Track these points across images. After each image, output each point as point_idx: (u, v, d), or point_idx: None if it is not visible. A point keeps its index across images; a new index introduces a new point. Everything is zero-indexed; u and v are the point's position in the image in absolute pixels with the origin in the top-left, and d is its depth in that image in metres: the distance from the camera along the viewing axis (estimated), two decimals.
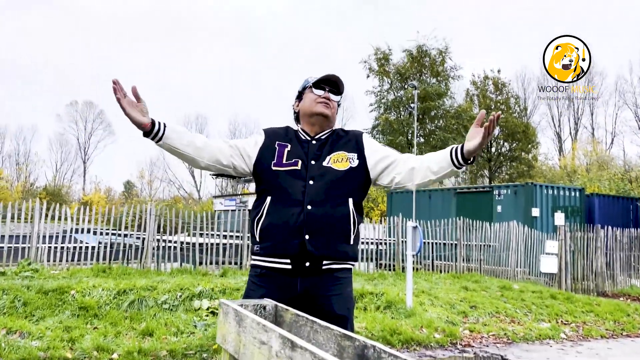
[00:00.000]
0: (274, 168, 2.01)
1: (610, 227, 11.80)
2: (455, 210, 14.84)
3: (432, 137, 29.16)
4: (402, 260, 10.48)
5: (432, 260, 11.20)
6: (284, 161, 2.02)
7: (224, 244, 9.36)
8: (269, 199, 1.98)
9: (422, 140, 29.45)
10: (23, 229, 8.40)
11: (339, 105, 2.18)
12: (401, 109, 30.28)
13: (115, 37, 62.94)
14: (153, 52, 64.63)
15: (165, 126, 1.95)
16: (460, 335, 5.81)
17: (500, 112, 1.84)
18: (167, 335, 4.86)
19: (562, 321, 7.06)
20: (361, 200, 2.08)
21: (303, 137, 2.10)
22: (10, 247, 8.10)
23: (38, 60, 61.22)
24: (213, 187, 42.02)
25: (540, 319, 7.03)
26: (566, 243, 10.74)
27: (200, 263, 9.02)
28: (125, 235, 9.13)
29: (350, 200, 2.00)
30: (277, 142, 2.07)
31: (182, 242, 9.15)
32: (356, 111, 54.25)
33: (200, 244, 9.19)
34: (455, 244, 11.24)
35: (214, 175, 31.12)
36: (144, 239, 8.91)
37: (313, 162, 2.01)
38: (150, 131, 1.93)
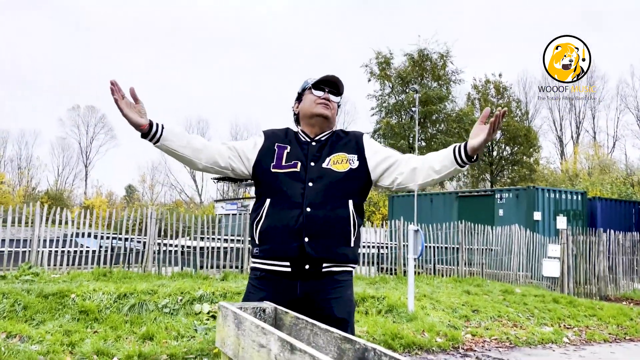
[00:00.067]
0: (273, 170, 1.99)
1: (612, 231, 11.75)
2: (457, 214, 14.84)
3: (434, 141, 29.12)
4: (404, 264, 10.44)
5: (434, 264, 11.15)
6: (283, 163, 2.00)
7: (225, 248, 9.35)
8: (268, 201, 1.97)
9: (423, 144, 29.40)
10: (24, 233, 8.40)
11: (339, 106, 2.16)
12: (402, 113, 30.24)
13: (115, 37, 63.07)
14: (153, 52, 64.74)
15: (163, 127, 1.95)
16: (462, 340, 5.78)
17: (505, 108, 1.83)
18: (167, 339, 4.84)
19: (564, 325, 7.02)
20: (362, 202, 2.05)
21: (303, 139, 2.08)
22: (11, 251, 8.10)
23: (38, 61, 61.40)
24: (215, 191, 42.09)
25: (543, 323, 6.99)
26: (568, 247, 10.69)
27: (201, 267, 9.00)
28: (127, 239, 9.14)
29: (351, 202, 1.97)
30: (276, 144, 2.05)
31: (183, 246, 9.14)
32: (357, 115, 54.13)
33: (201, 248, 9.18)
34: (457, 248, 11.20)
35: (215, 179, 31.12)
36: (145, 242, 8.90)
37: (312, 164, 1.99)
38: (148, 132, 1.93)
